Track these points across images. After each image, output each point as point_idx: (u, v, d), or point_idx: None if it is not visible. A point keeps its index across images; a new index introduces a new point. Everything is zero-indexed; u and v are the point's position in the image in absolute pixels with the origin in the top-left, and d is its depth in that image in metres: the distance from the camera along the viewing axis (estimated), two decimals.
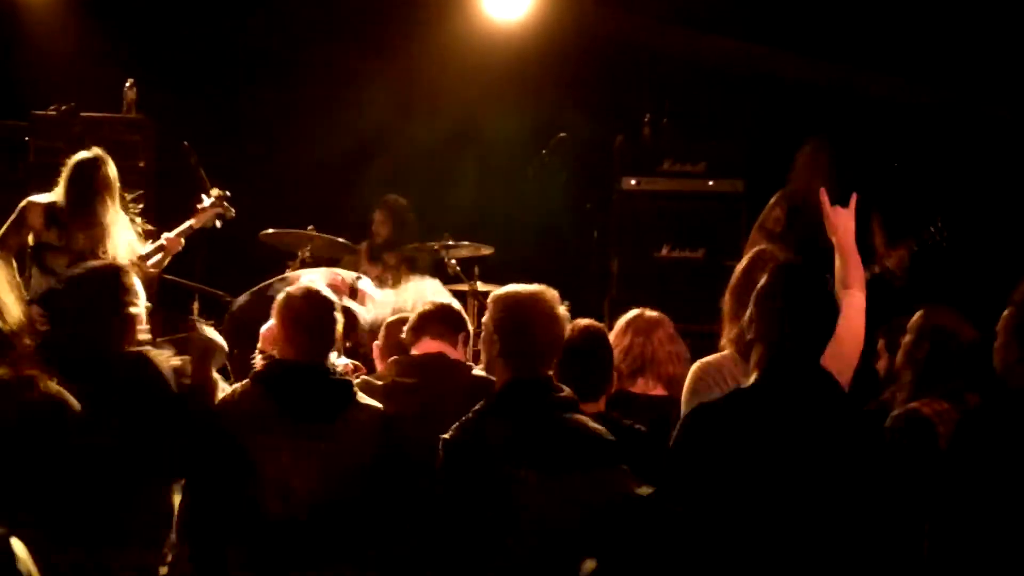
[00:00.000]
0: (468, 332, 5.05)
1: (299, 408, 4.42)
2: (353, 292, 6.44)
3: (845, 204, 4.60)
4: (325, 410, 4.44)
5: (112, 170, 6.77)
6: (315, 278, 6.42)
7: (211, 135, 8.58)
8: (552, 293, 4.27)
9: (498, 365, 4.21)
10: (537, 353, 4.17)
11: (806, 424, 3.81)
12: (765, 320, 3.92)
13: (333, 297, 4.67)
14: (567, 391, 4.18)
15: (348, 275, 6.62)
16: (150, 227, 7.53)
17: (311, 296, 4.60)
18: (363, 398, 4.56)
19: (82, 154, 6.79)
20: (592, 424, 4.10)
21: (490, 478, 3.99)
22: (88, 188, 6.69)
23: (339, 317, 4.63)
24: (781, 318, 3.89)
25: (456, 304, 5.21)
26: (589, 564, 3.46)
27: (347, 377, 4.62)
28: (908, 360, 4.94)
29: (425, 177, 9.46)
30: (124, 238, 6.90)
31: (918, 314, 4.99)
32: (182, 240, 7.05)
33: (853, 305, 4.66)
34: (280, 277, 6.79)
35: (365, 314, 6.34)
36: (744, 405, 3.85)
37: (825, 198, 4.84)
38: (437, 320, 4.98)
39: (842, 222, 4.76)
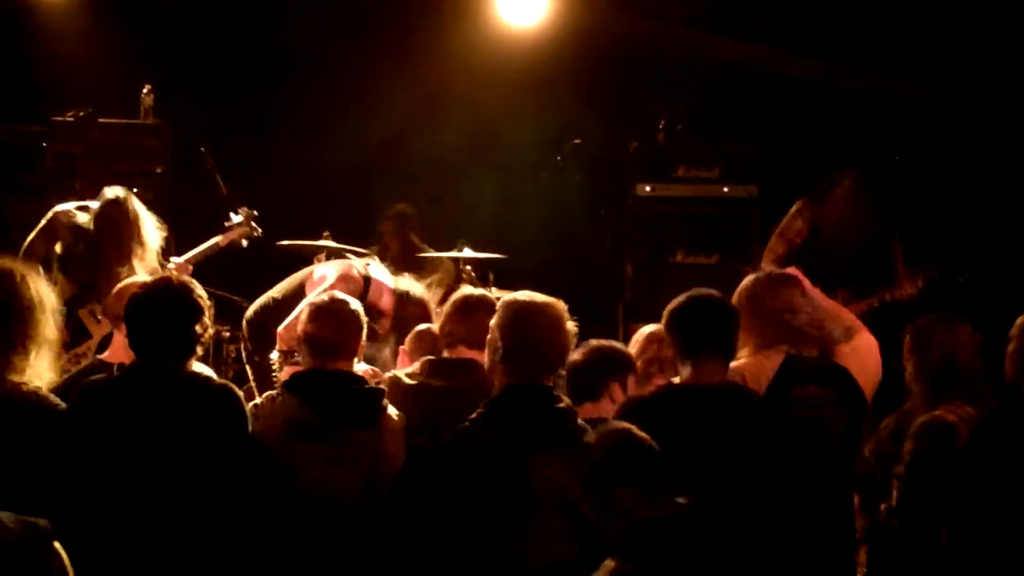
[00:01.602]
0: None
1: (339, 415, 4.39)
2: (367, 282, 6.46)
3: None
4: (363, 417, 4.42)
5: (137, 214, 6.73)
6: (329, 271, 6.45)
7: (228, 140, 8.61)
8: (561, 305, 4.25)
9: (498, 370, 4.19)
10: (537, 360, 4.14)
11: (723, 418, 3.99)
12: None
13: (357, 305, 4.64)
14: (566, 401, 4.16)
15: (359, 264, 6.64)
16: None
17: (338, 304, 4.59)
18: (390, 407, 4.55)
19: (108, 197, 6.72)
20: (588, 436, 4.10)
21: (484, 485, 3.98)
22: (116, 240, 6.66)
23: (364, 322, 4.62)
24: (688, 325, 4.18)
25: None
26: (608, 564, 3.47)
27: (379, 386, 4.60)
28: (919, 373, 4.97)
29: (440, 182, 9.48)
30: (151, 258, 6.93)
31: (921, 325, 5.01)
32: (190, 268, 7.03)
33: (867, 339, 4.73)
34: (293, 277, 6.81)
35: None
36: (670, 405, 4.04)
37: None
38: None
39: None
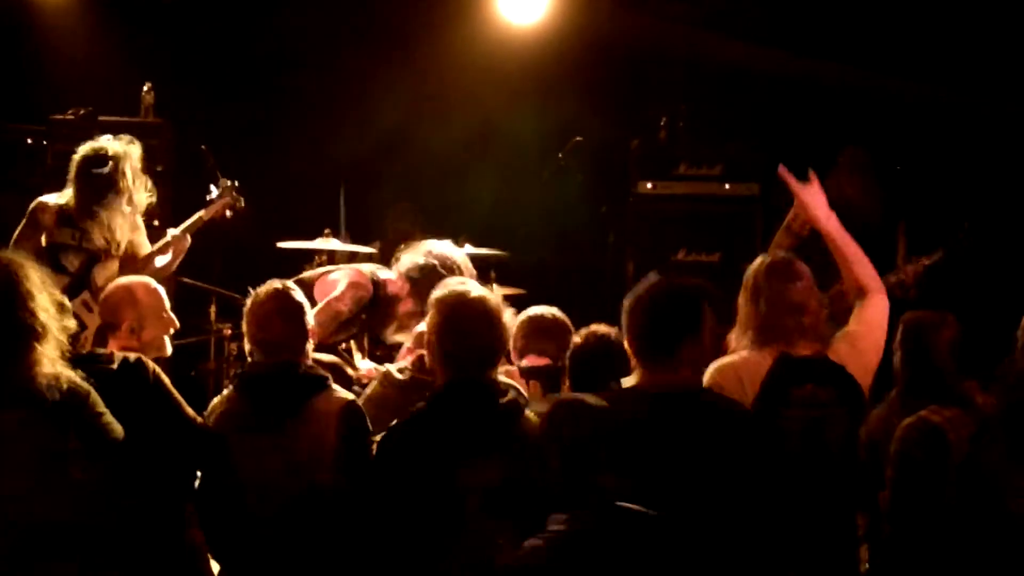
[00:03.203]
0: None
1: (266, 405, 4.45)
2: (375, 284, 6.45)
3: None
4: (289, 405, 4.44)
5: (124, 161, 6.74)
6: (339, 276, 6.44)
7: (229, 138, 8.60)
8: (493, 296, 4.22)
9: (438, 368, 4.19)
10: (474, 356, 4.12)
11: (670, 422, 3.84)
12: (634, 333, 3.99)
13: (300, 296, 4.64)
14: (512, 394, 4.13)
15: (367, 269, 6.62)
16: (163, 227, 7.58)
17: (277, 296, 4.60)
18: (337, 391, 4.54)
19: (88, 147, 6.76)
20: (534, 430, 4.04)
21: (427, 482, 3.97)
22: (96, 182, 6.67)
23: (307, 310, 4.61)
24: (634, 327, 3.98)
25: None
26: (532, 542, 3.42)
27: (319, 372, 4.58)
28: (901, 370, 4.95)
29: (441, 180, 9.47)
30: (139, 237, 6.91)
31: (907, 321, 4.97)
32: (188, 237, 7.00)
33: (874, 308, 4.65)
34: (298, 277, 6.79)
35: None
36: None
37: (787, 175, 4.82)
38: None
39: (813, 202, 4.73)
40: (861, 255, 4.70)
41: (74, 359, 4.19)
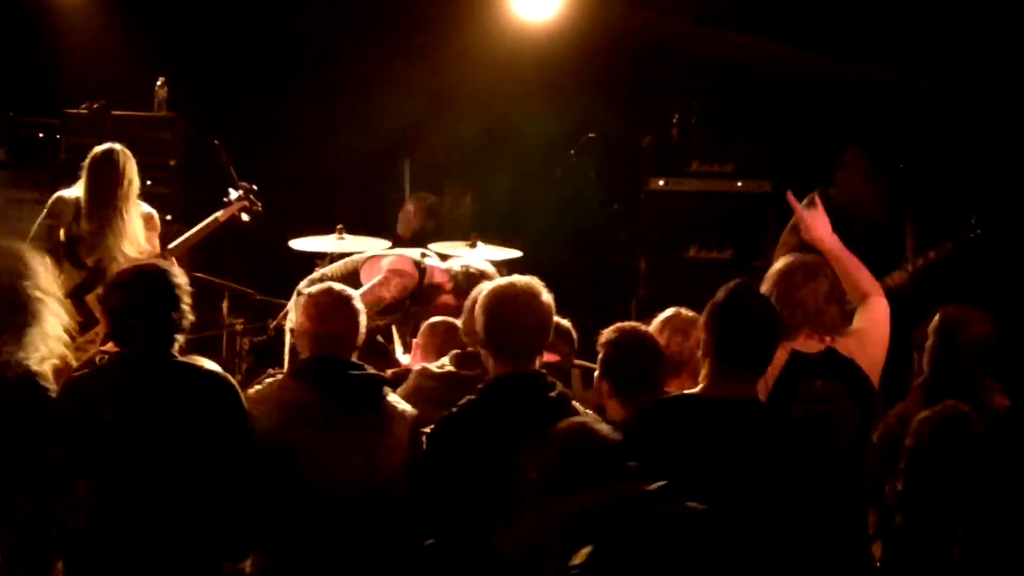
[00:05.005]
0: None
1: (338, 398, 4.38)
2: (422, 272, 6.46)
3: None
4: (362, 400, 4.41)
5: (131, 164, 6.78)
6: (384, 263, 6.47)
7: (241, 133, 8.62)
8: (535, 285, 4.19)
9: (488, 361, 4.17)
10: (519, 348, 4.10)
11: (742, 432, 3.85)
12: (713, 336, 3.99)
13: (352, 292, 4.61)
14: (560, 387, 4.11)
15: (413, 254, 6.60)
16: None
17: (332, 294, 4.57)
18: (393, 398, 4.51)
19: (99, 148, 6.81)
20: (594, 425, 4.04)
21: (481, 476, 3.95)
22: (105, 182, 6.70)
23: (361, 310, 4.55)
24: (725, 335, 3.95)
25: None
26: (585, 551, 3.43)
27: (377, 374, 4.56)
28: (924, 363, 4.95)
29: (453, 177, 9.48)
30: (153, 235, 6.95)
31: (932, 318, 4.99)
32: (173, 260, 7.03)
33: (876, 308, 4.67)
34: (346, 261, 6.85)
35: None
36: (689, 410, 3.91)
37: (793, 200, 4.85)
38: None
39: (816, 223, 4.76)
40: (860, 265, 4.74)
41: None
